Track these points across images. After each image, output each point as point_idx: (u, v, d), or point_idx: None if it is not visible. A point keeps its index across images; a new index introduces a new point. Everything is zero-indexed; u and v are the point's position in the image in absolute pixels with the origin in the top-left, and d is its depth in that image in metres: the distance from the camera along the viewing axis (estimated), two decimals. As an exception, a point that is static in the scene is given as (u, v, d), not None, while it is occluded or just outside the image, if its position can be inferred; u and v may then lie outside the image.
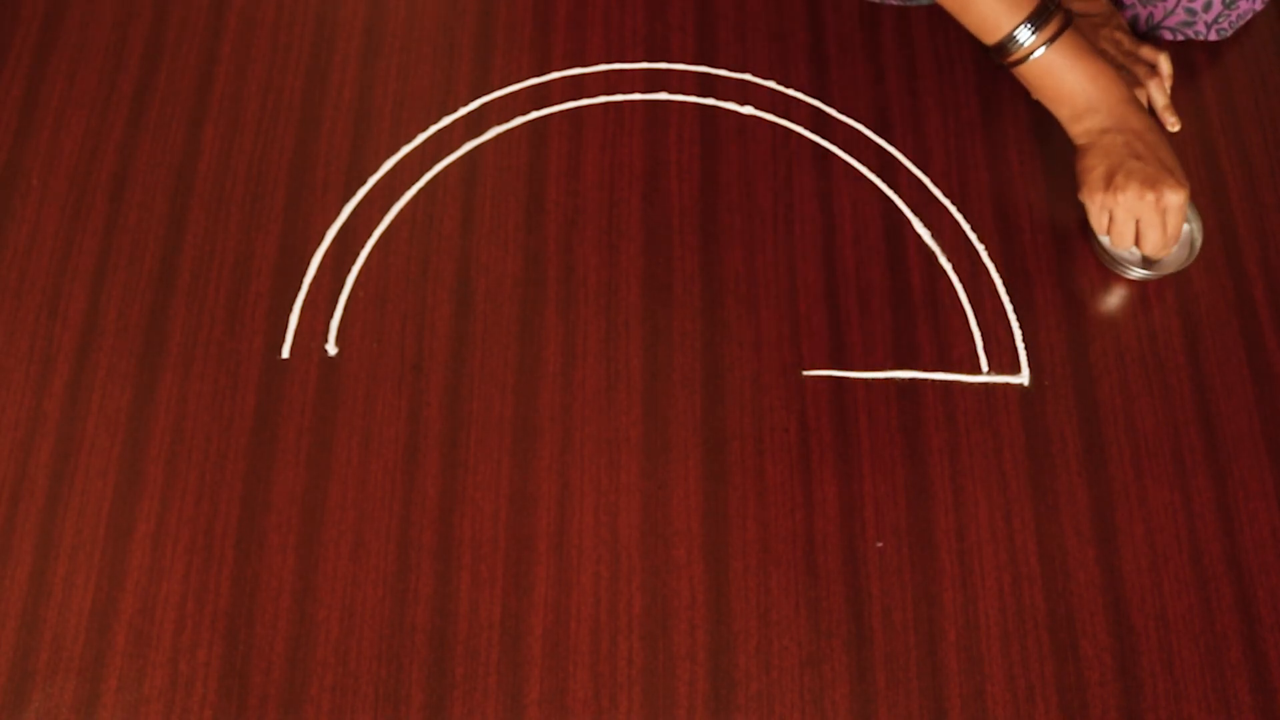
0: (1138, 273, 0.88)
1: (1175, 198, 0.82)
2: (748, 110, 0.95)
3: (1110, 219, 0.85)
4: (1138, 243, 0.86)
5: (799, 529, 0.80)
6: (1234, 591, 0.79)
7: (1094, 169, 0.84)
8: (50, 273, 0.88)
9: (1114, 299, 0.89)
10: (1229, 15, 0.97)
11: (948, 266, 0.90)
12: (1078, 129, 0.85)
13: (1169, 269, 0.88)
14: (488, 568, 0.78)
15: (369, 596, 0.77)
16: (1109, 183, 0.83)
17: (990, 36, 0.84)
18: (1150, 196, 0.82)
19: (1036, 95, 0.87)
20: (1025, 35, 0.83)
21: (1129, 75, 0.94)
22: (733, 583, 0.78)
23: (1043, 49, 0.83)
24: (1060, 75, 0.84)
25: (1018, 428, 0.84)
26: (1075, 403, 0.85)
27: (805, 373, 0.85)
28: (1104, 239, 0.88)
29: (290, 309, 0.87)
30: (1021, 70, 0.85)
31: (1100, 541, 0.80)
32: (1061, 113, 0.86)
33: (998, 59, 0.85)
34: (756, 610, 0.77)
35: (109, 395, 0.83)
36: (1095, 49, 0.85)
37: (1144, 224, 0.84)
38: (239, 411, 0.83)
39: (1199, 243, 0.88)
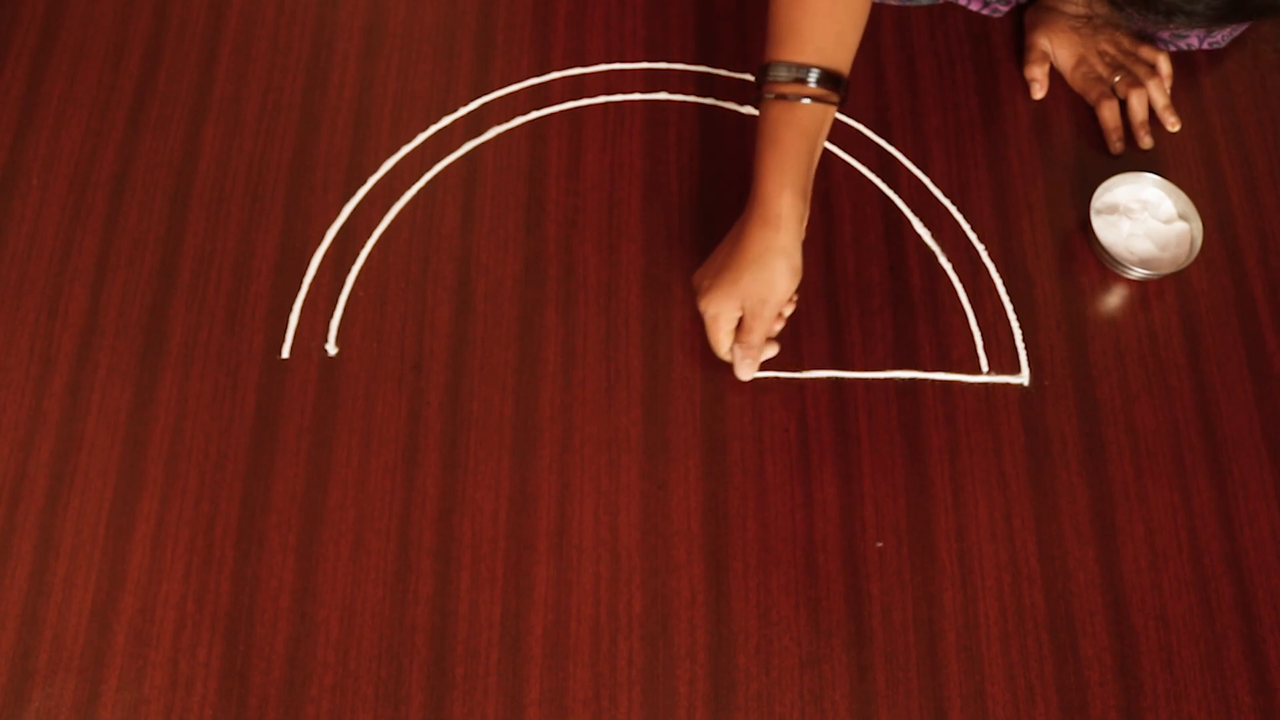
0: (1138, 272, 0.88)
1: (704, 306, 0.80)
2: (748, 110, 0.95)
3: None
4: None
5: (799, 529, 0.80)
6: (1234, 591, 0.79)
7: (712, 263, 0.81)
8: (50, 273, 0.88)
9: (1114, 299, 0.89)
10: (1222, 29, 0.96)
11: (948, 266, 0.90)
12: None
13: (1168, 268, 0.88)
14: (488, 568, 0.78)
15: (369, 596, 0.77)
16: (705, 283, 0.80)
17: (763, 55, 0.79)
18: (701, 303, 0.80)
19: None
20: (772, 73, 0.78)
21: (1129, 74, 0.94)
22: (733, 583, 0.78)
23: (766, 97, 0.78)
24: (759, 135, 0.78)
25: (1018, 428, 0.84)
26: (1075, 403, 0.85)
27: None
28: (1104, 239, 0.88)
29: (290, 309, 0.87)
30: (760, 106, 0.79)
31: (1100, 541, 0.80)
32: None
33: (755, 80, 0.80)
34: (756, 610, 0.77)
35: (109, 395, 0.83)
36: (792, 150, 0.77)
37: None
38: (239, 411, 0.83)
39: (1199, 242, 0.88)
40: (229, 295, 0.87)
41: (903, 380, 0.85)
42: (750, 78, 0.97)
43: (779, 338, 0.84)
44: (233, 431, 0.82)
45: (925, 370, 0.85)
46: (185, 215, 0.90)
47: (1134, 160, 0.94)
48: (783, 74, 0.77)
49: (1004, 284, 0.89)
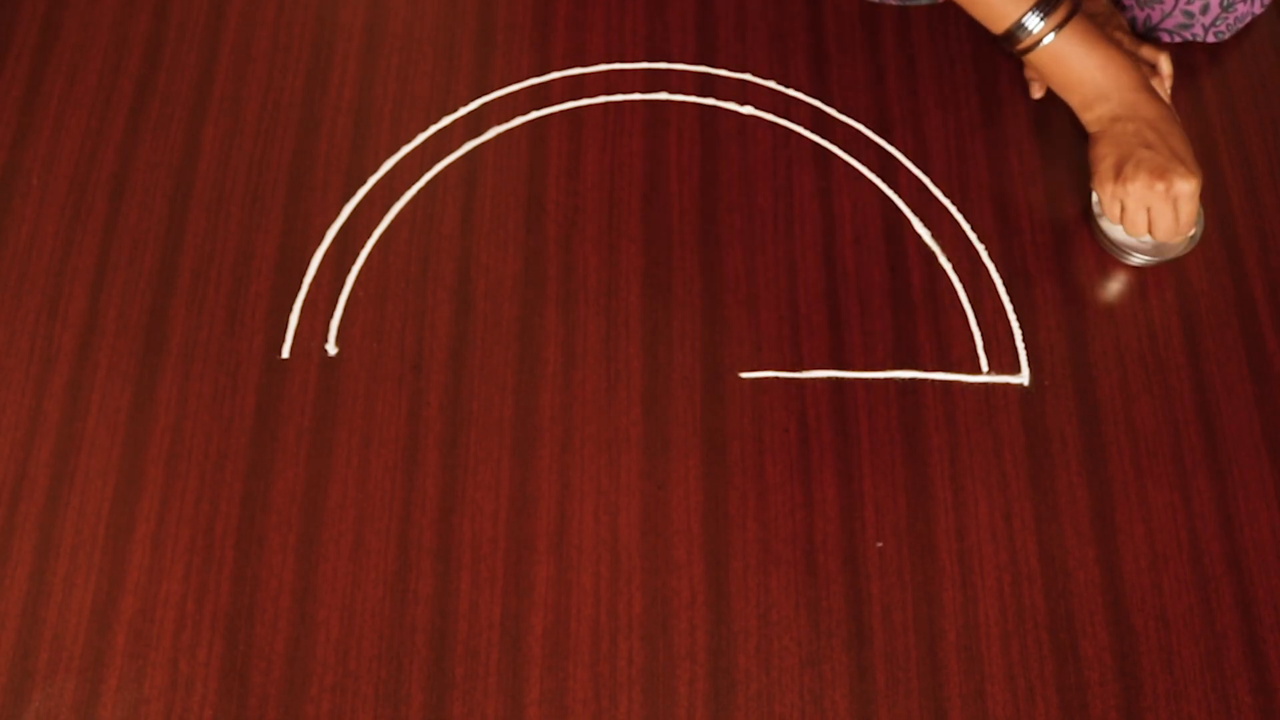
0: (1138, 258, 0.88)
1: (1185, 186, 0.82)
2: (748, 110, 0.95)
3: (1122, 208, 0.85)
4: (1150, 230, 0.85)
5: (799, 529, 0.80)
6: (1234, 591, 0.79)
7: (1104, 158, 0.84)
8: (50, 273, 0.88)
9: (1114, 298, 0.89)
10: (1226, 18, 0.97)
11: (948, 266, 0.90)
12: (1089, 116, 0.86)
13: (1169, 255, 0.88)
14: (488, 568, 0.78)
15: (369, 596, 0.77)
16: (1119, 172, 0.83)
17: (998, 25, 0.85)
18: (1160, 186, 0.82)
19: (1048, 83, 0.88)
20: (1033, 22, 0.83)
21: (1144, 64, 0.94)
22: (733, 583, 0.78)
23: (1051, 35, 0.83)
24: (1070, 62, 0.84)
25: (1018, 428, 0.84)
26: (1075, 403, 0.85)
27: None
28: (1105, 225, 0.88)
29: (290, 309, 0.87)
30: (1031, 58, 0.86)
31: (1100, 541, 0.80)
32: (1073, 100, 0.86)
33: (1008, 47, 0.86)
34: (756, 610, 0.77)
35: (109, 395, 0.83)
36: (1106, 36, 0.85)
37: (1155, 212, 0.84)
38: (239, 411, 0.83)
39: (1199, 230, 0.88)
40: (229, 295, 0.87)
41: (903, 380, 0.85)
42: (750, 77, 0.97)
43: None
44: (233, 431, 0.82)
45: (925, 370, 0.85)
46: (185, 215, 0.90)
47: None
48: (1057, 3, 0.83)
49: (1004, 284, 0.89)
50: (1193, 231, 0.88)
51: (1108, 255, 0.90)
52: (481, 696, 0.74)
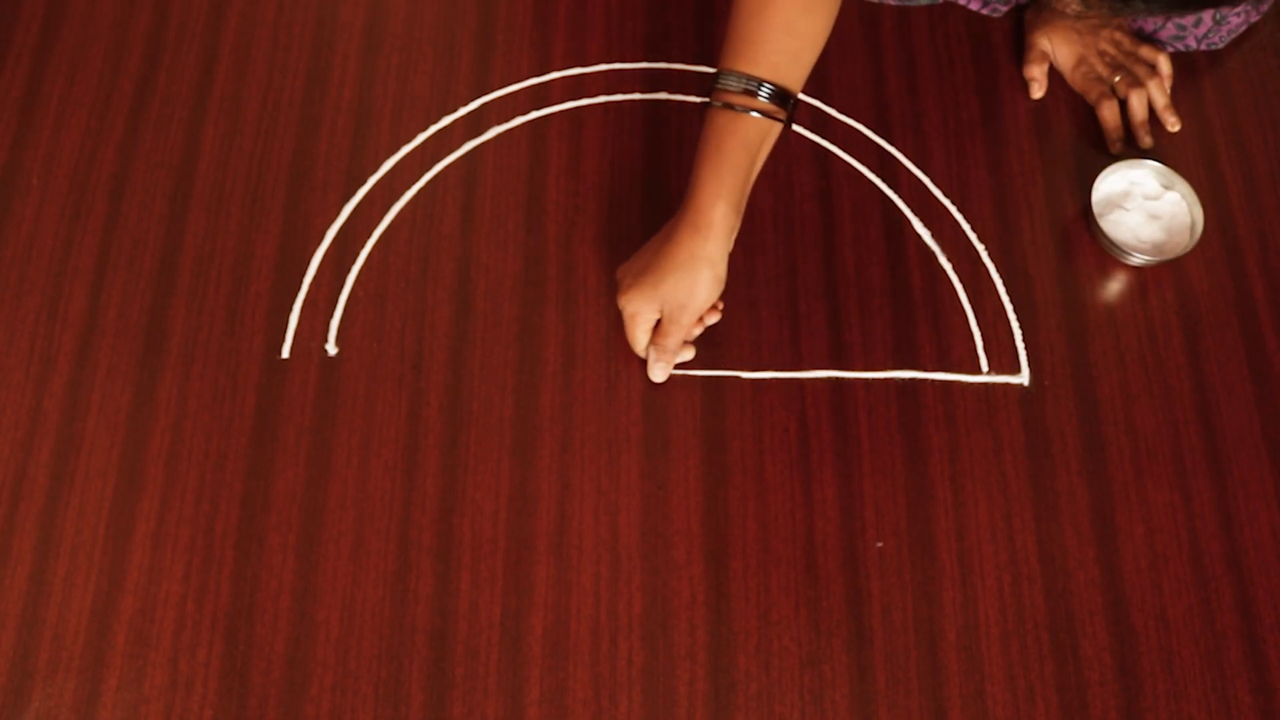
0: (1138, 258, 0.88)
1: (623, 303, 0.80)
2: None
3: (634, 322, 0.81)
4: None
5: (799, 529, 0.80)
6: (1234, 591, 0.79)
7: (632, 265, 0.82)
8: (50, 273, 0.88)
9: (1115, 299, 0.89)
10: (1219, 31, 0.96)
11: (948, 266, 0.90)
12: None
13: (1169, 255, 0.88)
14: (488, 568, 0.78)
15: (369, 596, 0.77)
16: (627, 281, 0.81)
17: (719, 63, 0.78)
18: (620, 300, 0.81)
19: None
20: (723, 82, 0.77)
21: (1129, 74, 0.94)
22: (733, 583, 0.78)
23: (713, 104, 0.77)
24: (703, 140, 0.78)
25: (1018, 428, 0.84)
26: (1075, 403, 0.85)
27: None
28: (1105, 226, 0.88)
29: (290, 309, 0.87)
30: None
31: (1100, 541, 0.80)
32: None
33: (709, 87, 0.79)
34: (756, 610, 0.77)
35: (109, 395, 0.83)
36: (730, 163, 0.76)
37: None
38: (239, 411, 0.83)
39: (1199, 229, 0.88)
40: (229, 295, 0.87)
41: (903, 380, 0.85)
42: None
43: (698, 341, 0.84)
44: (233, 431, 0.82)
45: (925, 370, 0.85)
46: (185, 215, 0.90)
47: (1133, 158, 0.94)
48: (734, 84, 0.76)
49: (1004, 284, 0.89)
50: (1193, 228, 0.88)
51: (1108, 255, 0.90)
52: (481, 696, 0.74)
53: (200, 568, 0.78)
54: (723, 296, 0.87)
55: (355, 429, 0.82)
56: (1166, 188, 0.90)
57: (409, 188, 0.92)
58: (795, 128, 0.94)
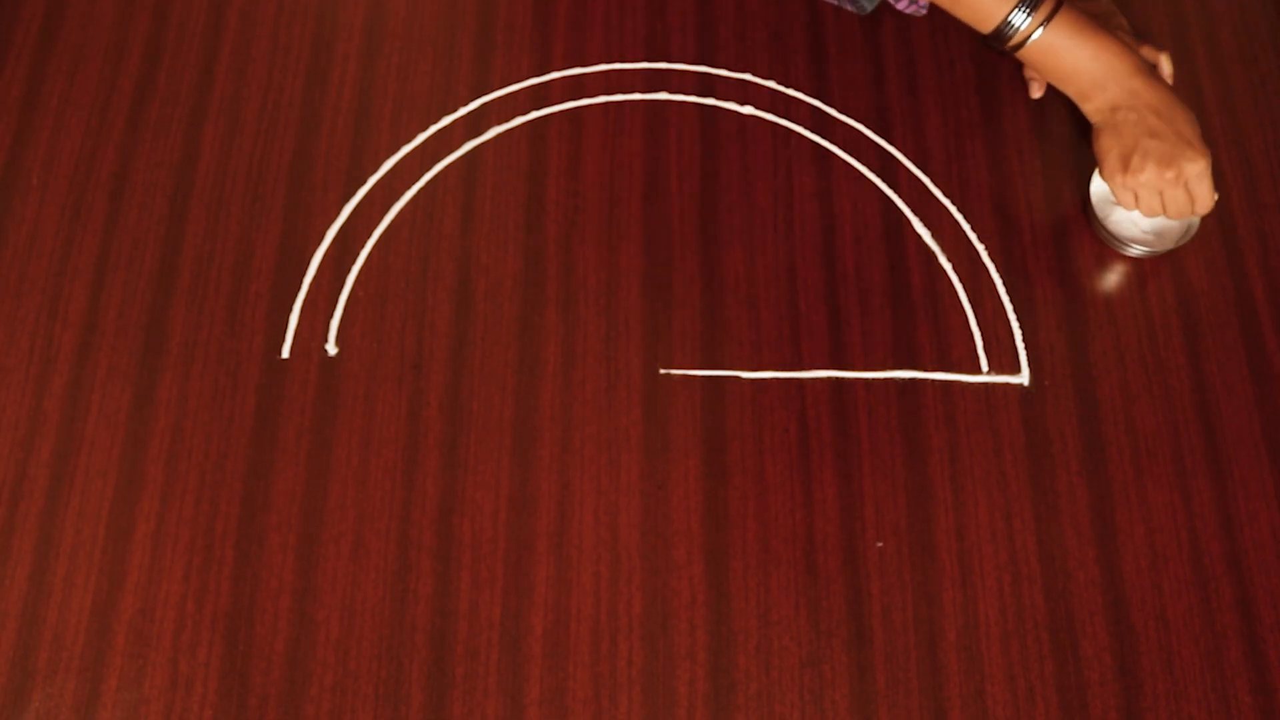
0: (1136, 249, 0.88)
1: (1194, 168, 0.82)
2: (748, 110, 0.95)
3: (1136, 198, 0.85)
4: (1165, 211, 0.85)
5: (799, 529, 0.80)
6: (1234, 591, 0.79)
7: (1110, 150, 0.84)
8: (50, 273, 0.88)
9: (1114, 298, 0.89)
10: None
11: (948, 266, 0.90)
12: (1089, 107, 0.85)
13: (1166, 246, 0.88)
14: (488, 568, 0.78)
15: (369, 596, 0.77)
16: (1126, 164, 0.83)
17: (986, 24, 0.85)
18: (1170, 174, 0.82)
19: (1045, 77, 0.88)
20: (1020, 19, 0.83)
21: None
22: (733, 583, 0.78)
23: (1040, 30, 0.83)
24: (1062, 55, 0.84)
25: (1018, 428, 0.84)
26: (1075, 403, 0.85)
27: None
28: (1103, 217, 0.88)
29: (290, 309, 0.87)
30: (1023, 54, 0.85)
31: (1100, 541, 0.80)
32: (1070, 92, 0.86)
33: (997, 46, 0.86)
34: (756, 610, 0.77)
35: (109, 395, 0.83)
36: (1096, 25, 0.84)
37: (1167, 198, 0.84)
38: (239, 411, 0.83)
39: (1197, 220, 0.88)
40: (229, 295, 0.87)
41: (903, 380, 0.85)
42: (750, 77, 0.97)
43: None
44: (233, 431, 0.82)
45: (925, 370, 0.85)
46: (185, 215, 0.90)
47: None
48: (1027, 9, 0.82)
49: (1004, 284, 0.89)
50: (1188, 226, 0.88)
51: (1108, 255, 0.90)
52: (481, 696, 0.74)
53: (200, 568, 0.78)
54: (723, 296, 0.88)
55: (355, 429, 0.82)
56: None
57: (409, 188, 0.92)
58: (795, 127, 0.95)
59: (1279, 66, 0.99)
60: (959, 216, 0.92)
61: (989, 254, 0.90)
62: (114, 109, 0.94)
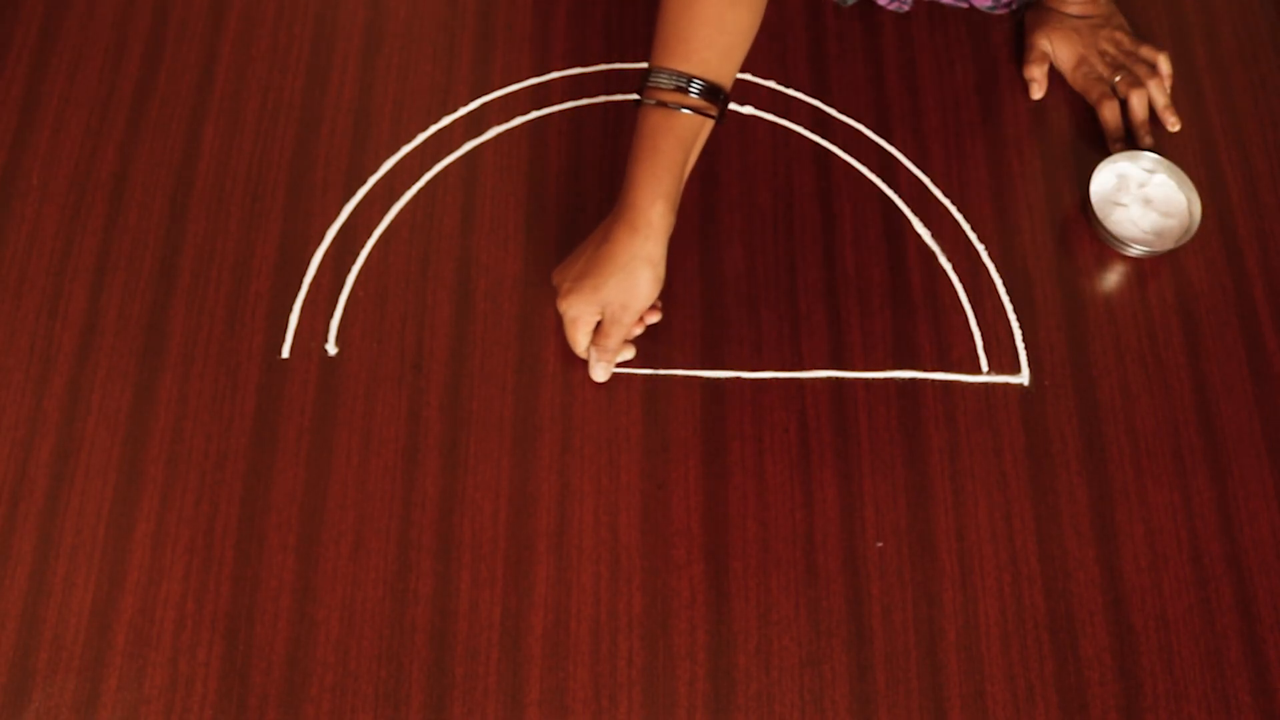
0: (1136, 249, 0.88)
1: (562, 306, 0.80)
2: (748, 110, 0.95)
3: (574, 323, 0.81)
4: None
5: (799, 529, 0.80)
6: (1234, 591, 0.79)
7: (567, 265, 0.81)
8: (50, 273, 0.88)
9: (1114, 298, 0.89)
10: None
11: (948, 266, 0.90)
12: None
13: (1166, 246, 0.88)
14: (488, 568, 0.78)
15: (369, 596, 0.77)
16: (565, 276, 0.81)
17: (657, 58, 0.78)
18: (559, 303, 0.80)
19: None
20: (662, 78, 0.76)
21: (1129, 74, 0.94)
22: (733, 583, 0.78)
23: (645, 102, 0.77)
24: (637, 137, 0.77)
25: (1018, 428, 0.84)
26: (1075, 403, 0.85)
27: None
28: (1104, 219, 0.89)
29: (290, 309, 0.87)
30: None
31: (1100, 541, 0.80)
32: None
33: (638, 86, 0.79)
34: (756, 610, 0.77)
35: (109, 395, 0.83)
36: (666, 161, 0.76)
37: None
38: (239, 411, 0.83)
39: (1198, 218, 0.88)
40: (229, 295, 0.87)
41: (903, 380, 0.85)
42: (750, 77, 0.97)
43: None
44: (233, 431, 0.82)
45: (925, 370, 0.85)
46: (185, 215, 0.90)
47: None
48: (665, 81, 0.76)
49: (1004, 284, 0.89)
50: (1191, 218, 0.89)
51: (1108, 255, 0.90)
52: (481, 696, 0.74)
53: (200, 568, 0.78)
54: (723, 296, 0.87)
55: (355, 429, 0.82)
56: (1151, 172, 0.91)
57: (409, 188, 0.92)
58: (795, 127, 0.94)
59: (1279, 66, 0.99)
60: (959, 216, 0.92)
61: (989, 254, 0.90)
62: (114, 109, 0.94)
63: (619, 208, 0.78)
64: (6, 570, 0.78)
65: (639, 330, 0.84)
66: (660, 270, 0.78)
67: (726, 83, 0.78)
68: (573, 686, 0.75)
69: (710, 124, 0.78)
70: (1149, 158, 0.91)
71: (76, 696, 0.74)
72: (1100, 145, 0.95)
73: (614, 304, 0.79)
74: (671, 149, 0.76)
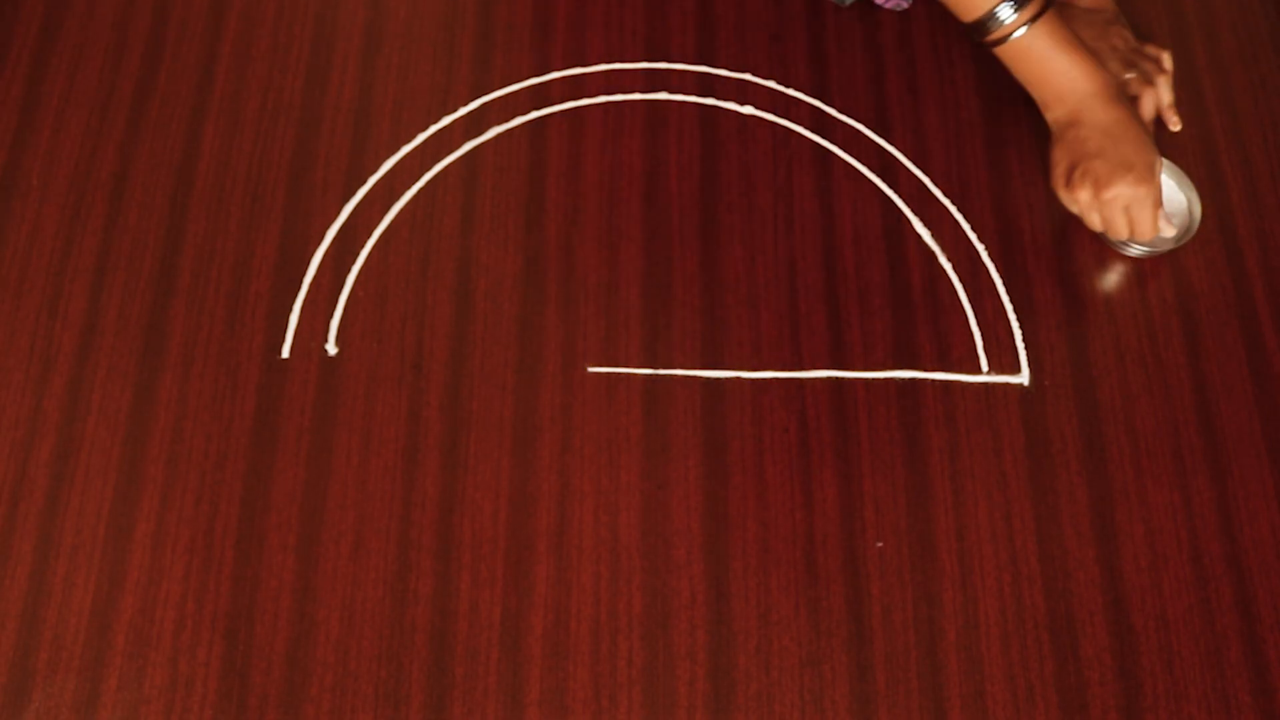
0: (1136, 249, 0.88)
1: (1129, 192, 0.83)
2: (748, 110, 0.95)
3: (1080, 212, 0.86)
4: (1108, 231, 0.87)
5: (799, 529, 0.80)
6: (1234, 591, 0.79)
7: (1058, 163, 0.86)
8: (50, 273, 0.88)
9: (1114, 298, 0.89)
10: None
11: (948, 266, 0.90)
12: (1049, 117, 0.87)
13: (1166, 246, 0.88)
14: (488, 568, 0.78)
15: (369, 596, 0.77)
16: (1068, 179, 0.84)
17: (970, 13, 0.85)
18: (1106, 195, 0.83)
19: (1016, 76, 0.88)
20: (1006, 13, 0.83)
21: (1141, 72, 0.94)
22: (733, 583, 0.78)
23: (1023, 30, 0.84)
24: (1036, 60, 0.85)
25: (1018, 428, 0.84)
26: (1075, 403, 0.85)
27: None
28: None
29: (290, 309, 0.87)
30: (1000, 51, 0.86)
31: (1100, 541, 0.80)
32: (1035, 97, 0.87)
33: (976, 37, 0.86)
34: (756, 610, 0.77)
35: (109, 395, 0.83)
36: (1076, 39, 0.85)
37: (1106, 219, 0.85)
38: (239, 411, 0.83)
39: (1198, 218, 0.88)
40: (229, 295, 0.87)
41: (903, 380, 0.85)
42: (750, 77, 0.97)
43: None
44: (233, 431, 0.82)
45: (925, 370, 0.85)
46: (185, 215, 0.90)
47: None
48: (1008, 10, 0.82)
49: (1004, 284, 0.89)
50: (1191, 218, 0.89)
51: (1108, 255, 0.90)
52: (481, 696, 0.74)
53: (200, 568, 0.78)
54: (723, 296, 0.88)
55: (355, 429, 0.82)
56: (1168, 197, 0.90)
57: (409, 188, 0.92)
58: (795, 127, 0.95)
59: (1279, 66, 0.99)
60: (959, 216, 0.92)
61: (989, 254, 0.90)
62: (114, 109, 0.94)
63: (1081, 100, 0.83)
64: (6, 570, 0.78)
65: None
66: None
67: None
68: (573, 686, 0.75)
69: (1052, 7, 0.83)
70: (1176, 174, 0.91)
71: (76, 696, 0.74)
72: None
73: (1151, 162, 0.83)
74: (1063, 35, 0.83)
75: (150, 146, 0.93)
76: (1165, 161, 0.90)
